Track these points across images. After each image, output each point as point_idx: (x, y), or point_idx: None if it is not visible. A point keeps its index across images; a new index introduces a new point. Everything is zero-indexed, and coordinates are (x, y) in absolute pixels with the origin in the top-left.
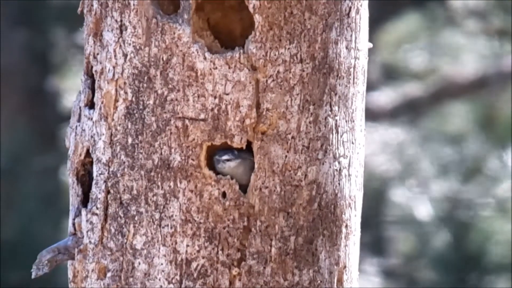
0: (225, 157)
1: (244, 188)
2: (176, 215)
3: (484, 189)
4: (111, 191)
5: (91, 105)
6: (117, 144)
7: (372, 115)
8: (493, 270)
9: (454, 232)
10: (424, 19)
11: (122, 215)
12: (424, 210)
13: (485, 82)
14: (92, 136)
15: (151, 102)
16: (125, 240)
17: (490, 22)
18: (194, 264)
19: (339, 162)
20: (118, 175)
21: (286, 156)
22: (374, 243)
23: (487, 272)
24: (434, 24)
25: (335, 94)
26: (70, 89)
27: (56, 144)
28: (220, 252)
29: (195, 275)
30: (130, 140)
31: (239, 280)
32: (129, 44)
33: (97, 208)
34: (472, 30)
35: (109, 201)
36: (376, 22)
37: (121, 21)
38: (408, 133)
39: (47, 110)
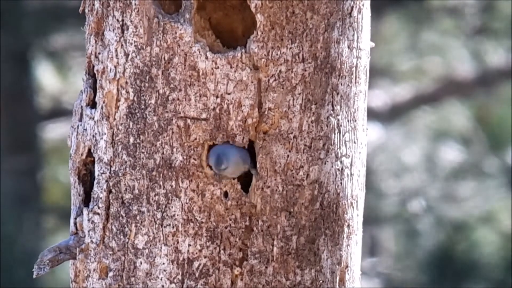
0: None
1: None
2: (178, 215)
3: (481, 189)
4: (113, 190)
5: (92, 104)
6: (119, 143)
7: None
8: (490, 270)
9: (449, 232)
10: (404, 19)
11: (123, 215)
12: (418, 209)
13: (478, 81)
14: (93, 136)
15: (153, 101)
16: (127, 240)
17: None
18: (196, 264)
19: (341, 162)
20: (120, 174)
21: (288, 156)
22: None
23: (486, 272)
24: (415, 24)
25: (337, 94)
26: (49, 89)
27: (33, 144)
28: (222, 251)
29: (197, 274)
30: (131, 140)
31: (241, 279)
32: (131, 44)
33: (98, 208)
34: (452, 29)
35: (111, 201)
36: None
37: (122, 20)
38: (403, 132)
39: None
